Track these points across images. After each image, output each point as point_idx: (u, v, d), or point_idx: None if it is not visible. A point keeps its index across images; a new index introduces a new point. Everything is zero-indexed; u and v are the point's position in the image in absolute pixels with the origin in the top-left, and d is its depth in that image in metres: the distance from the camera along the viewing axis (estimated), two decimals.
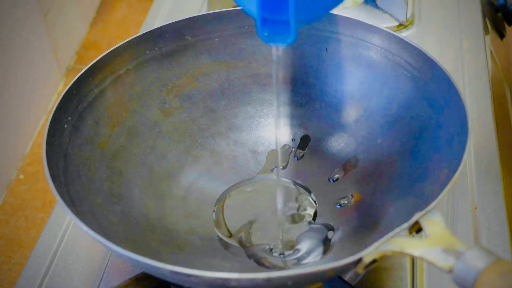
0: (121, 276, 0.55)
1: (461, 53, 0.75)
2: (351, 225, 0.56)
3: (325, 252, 0.54)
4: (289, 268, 0.53)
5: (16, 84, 1.15)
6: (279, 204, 0.54)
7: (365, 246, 0.42)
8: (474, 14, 0.81)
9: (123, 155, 0.57)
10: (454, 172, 0.46)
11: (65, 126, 0.53)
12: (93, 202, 0.52)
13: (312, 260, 0.53)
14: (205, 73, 0.63)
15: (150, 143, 0.60)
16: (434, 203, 0.43)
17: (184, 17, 0.61)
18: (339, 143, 0.61)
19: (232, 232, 0.57)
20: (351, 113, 0.61)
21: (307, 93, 0.63)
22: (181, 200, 0.59)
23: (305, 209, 0.58)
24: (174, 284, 0.52)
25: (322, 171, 0.61)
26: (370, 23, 0.59)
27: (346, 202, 0.58)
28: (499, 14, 0.83)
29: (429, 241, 0.41)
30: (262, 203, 0.60)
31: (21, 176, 1.15)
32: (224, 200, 0.60)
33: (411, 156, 0.55)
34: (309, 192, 0.59)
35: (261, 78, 0.64)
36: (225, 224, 0.57)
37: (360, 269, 0.42)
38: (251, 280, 0.40)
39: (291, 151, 0.63)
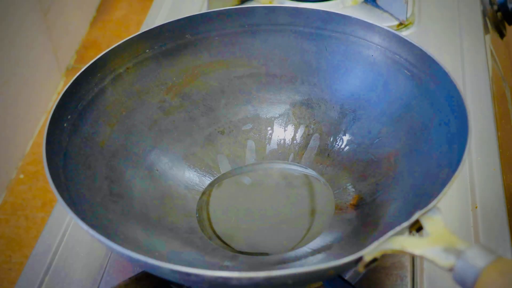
0: (122, 275, 0.55)
1: (461, 53, 0.75)
2: (351, 224, 0.56)
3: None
4: None
5: (16, 84, 1.15)
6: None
7: (366, 245, 0.42)
8: (474, 14, 0.81)
9: (123, 154, 0.57)
10: (454, 171, 0.46)
11: (65, 125, 0.53)
12: (93, 201, 0.52)
13: None
14: (205, 72, 0.63)
15: (150, 142, 0.60)
16: (434, 202, 0.43)
17: (184, 16, 0.61)
18: (339, 142, 0.61)
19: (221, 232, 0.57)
20: (351, 112, 0.61)
21: (307, 92, 0.63)
22: (181, 199, 0.59)
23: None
24: (174, 283, 0.52)
25: (322, 171, 0.61)
26: (370, 21, 0.59)
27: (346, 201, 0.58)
28: (499, 14, 0.83)
29: (430, 239, 0.41)
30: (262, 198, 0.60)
31: (21, 176, 1.15)
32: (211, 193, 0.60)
33: (411, 155, 0.55)
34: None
35: (261, 77, 0.64)
36: (211, 224, 0.57)
37: (360, 268, 0.42)
38: (252, 279, 0.40)
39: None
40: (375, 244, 0.41)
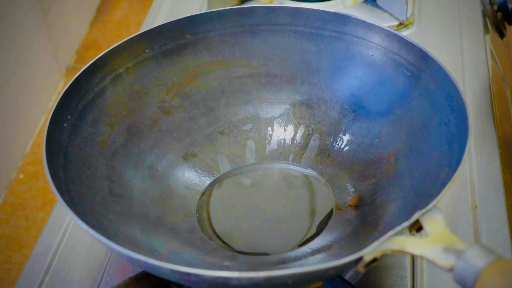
0: (122, 275, 0.55)
1: (461, 52, 0.75)
2: (351, 224, 0.56)
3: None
4: None
5: (16, 84, 1.15)
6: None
7: (366, 245, 0.42)
8: (474, 14, 0.81)
9: (123, 154, 0.57)
10: (454, 171, 0.46)
11: (65, 125, 0.53)
12: (93, 201, 0.52)
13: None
14: (205, 72, 0.63)
15: (150, 142, 0.60)
16: (434, 202, 0.43)
17: (184, 16, 0.61)
18: (339, 142, 0.61)
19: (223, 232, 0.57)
20: (351, 112, 0.61)
21: (307, 92, 0.63)
22: (181, 199, 0.59)
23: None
24: (174, 283, 0.52)
25: (322, 171, 0.61)
26: (370, 21, 0.59)
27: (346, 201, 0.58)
28: (499, 14, 0.83)
29: (430, 239, 0.41)
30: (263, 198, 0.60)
31: (21, 176, 1.15)
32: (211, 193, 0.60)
33: (411, 155, 0.55)
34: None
35: (261, 77, 0.64)
36: (210, 224, 0.57)
37: (360, 268, 0.42)
38: (252, 279, 0.40)
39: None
40: (375, 244, 0.41)
